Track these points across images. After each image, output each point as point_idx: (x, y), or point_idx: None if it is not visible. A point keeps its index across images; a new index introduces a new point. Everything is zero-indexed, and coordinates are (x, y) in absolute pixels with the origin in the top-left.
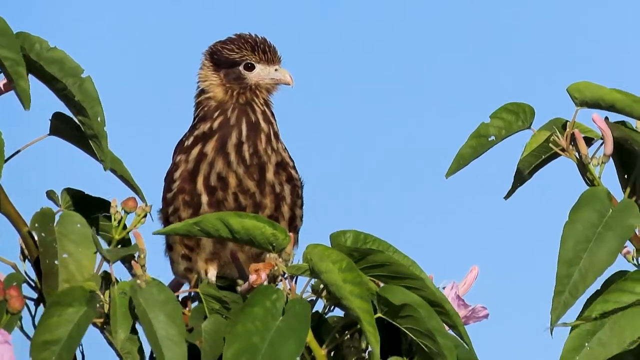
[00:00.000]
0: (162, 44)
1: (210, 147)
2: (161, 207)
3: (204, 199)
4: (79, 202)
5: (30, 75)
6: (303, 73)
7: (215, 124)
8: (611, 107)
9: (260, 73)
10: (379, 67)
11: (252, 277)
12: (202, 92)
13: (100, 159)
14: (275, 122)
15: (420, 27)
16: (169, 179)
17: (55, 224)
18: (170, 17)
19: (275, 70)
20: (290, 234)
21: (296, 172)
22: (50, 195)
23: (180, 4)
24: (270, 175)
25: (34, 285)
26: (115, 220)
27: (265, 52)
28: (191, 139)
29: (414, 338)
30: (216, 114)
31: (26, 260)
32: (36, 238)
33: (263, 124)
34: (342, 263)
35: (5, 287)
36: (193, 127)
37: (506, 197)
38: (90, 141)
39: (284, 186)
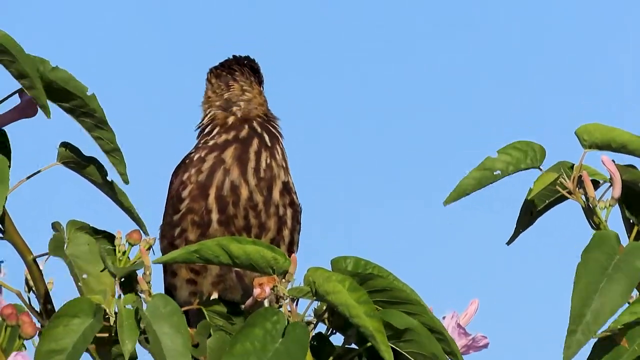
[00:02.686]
0: (152, 62)
1: (228, 154)
2: (161, 232)
3: (214, 216)
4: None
5: None
6: (299, 95)
7: (243, 134)
8: (622, 149)
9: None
10: (382, 89)
11: (257, 291)
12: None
13: (120, 172)
14: (282, 138)
15: (429, 54)
16: (175, 200)
17: (65, 248)
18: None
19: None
20: (293, 255)
21: (297, 197)
22: (56, 226)
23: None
24: (276, 194)
25: (38, 314)
26: (119, 252)
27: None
28: (206, 150)
29: None
30: (245, 125)
31: (31, 291)
32: (41, 266)
33: (268, 139)
34: (344, 282)
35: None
36: (207, 140)
37: (508, 243)
38: (108, 155)
39: (287, 210)
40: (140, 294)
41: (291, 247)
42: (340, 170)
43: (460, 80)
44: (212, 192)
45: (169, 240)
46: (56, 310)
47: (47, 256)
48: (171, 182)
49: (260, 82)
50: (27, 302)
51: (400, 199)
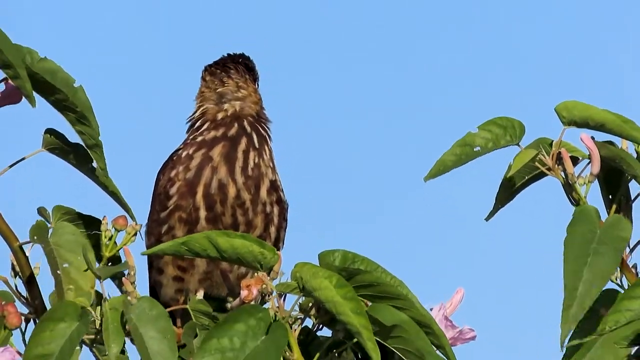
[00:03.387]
0: (146, 55)
1: (216, 152)
2: (148, 229)
3: (202, 213)
4: (70, 220)
5: None
6: (288, 89)
7: (232, 132)
8: (600, 127)
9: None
10: (366, 80)
11: (244, 293)
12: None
13: (101, 168)
14: (270, 139)
15: (413, 40)
16: (162, 197)
17: (49, 236)
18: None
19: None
20: (278, 252)
21: (284, 194)
22: (42, 212)
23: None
24: (264, 192)
25: (25, 301)
26: (105, 237)
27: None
28: (194, 147)
29: (403, 358)
30: (235, 123)
31: (17, 277)
32: (28, 252)
33: (257, 139)
34: (331, 279)
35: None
36: (195, 136)
37: (487, 219)
38: (90, 151)
39: (274, 207)
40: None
41: (277, 244)
42: (329, 165)
43: (444, 62)
44: (200, 190)
45: (156, 237)
46: (43, 297)
47: (32, 243)
48: (158, 179)
49: (255, 80)
50: (14, 288)
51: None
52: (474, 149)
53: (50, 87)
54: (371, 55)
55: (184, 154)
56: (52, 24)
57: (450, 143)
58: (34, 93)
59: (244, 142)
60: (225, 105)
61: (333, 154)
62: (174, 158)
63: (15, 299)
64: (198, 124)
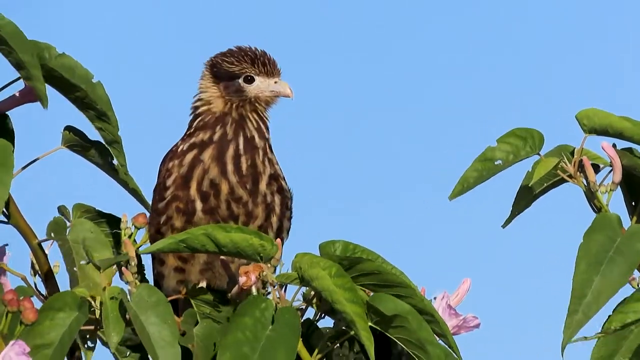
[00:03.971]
0: (152, 51)
1: (207, 155)
2: (149, 219)
3: (198, 205)
4: (90, 218)
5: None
6: (298, 82)
7: (216, 136)
8: (619, 135)
9: (260, 86)
10: (380, 78)
11: (242, 279)
12: (201, 102)
13: (121, 164)
14: (269, 136)
15: (427, 45)
16: (160, 188)
17: (67, 233)
18: (162, 27)
19: (275, 82)
20: (277, 241)
21: (286, 183)
22: (62, 210)
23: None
24: (263, 185)
25: (43, 299)
26: (125, 235)
27: (264, 64)
28: (187, 145)
29: (405, 348)
30: (217, 127)
31: (36, 275)
32: (46, 250)
33: (258, 140)
34: (331, 269)
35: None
36: (189, 135)
37: (504, 226)
38: (109, 147)
39: (275, 196)
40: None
41: (280, 234)
42: (334, 158)
43: (460, 69)
44: (193, 185)
45: (155, 228)
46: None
47: (51, 240)
48: (159, 170)
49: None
50: (33, 286)
51: (399, 186)
52: (495, 163)
53: (69, 84)
54: (385, 53)
55: (180, 149)
56: (69, 19)
57: (468, 153)
58: (54, 90)
59: (231, 149)
60: (209, 106)
61: (339, 147)
62: (173, 149)
63: (35, 297)
64: (193, 121)
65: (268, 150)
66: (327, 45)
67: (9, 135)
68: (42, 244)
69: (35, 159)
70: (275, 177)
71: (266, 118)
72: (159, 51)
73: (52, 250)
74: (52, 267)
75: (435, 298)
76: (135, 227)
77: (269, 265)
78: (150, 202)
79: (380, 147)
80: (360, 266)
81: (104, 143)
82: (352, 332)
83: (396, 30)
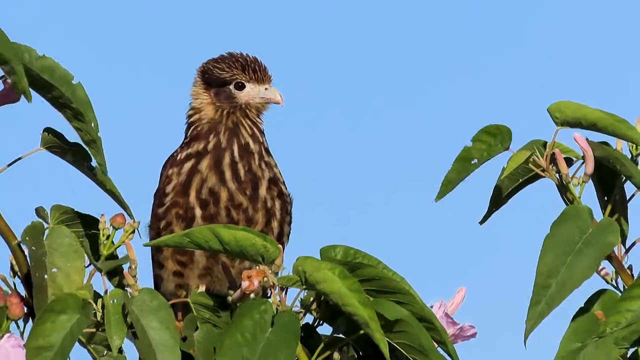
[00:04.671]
0: (151, 54)
1: (204, 165)
2: (150, 223)
3: (198, 212)
4: (69, 219)
5: None
6: (295, 88)
7: (210, 146)
8: (593, 126)
9: (251, 92)
10: (368, 85)
11: (245, 284)
12: (193, 110)
13: (99, 164)
14: (265, 139)
15: (403, 50)
16: (160, 193)
17: (44, 237)
18: (159, 28)
19: (266, 89)
20: (280, 245)
21: (286, 187)
22: (40, 212)
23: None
24: (263, 191)
25: (24, 299)
26: (103, 236)
27: (255, 71)
28: (184, 155)
29: (405, 353)
30: (211, 136)
31: (16, 277)
32: (26, 252)
33: (253, 145)
34: (334, 271)
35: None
36: (186, 145)
37: (481, 222)
38: (87, 147)
39: (275, 201)
40: (127, 289)
41: (280, 238)
42: (329, 163)
43: (438, 64)
44: (192, 193)
45: (155, 232)
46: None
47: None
48: (160, 174)
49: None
50: (13, 287)
51: (383, 190)
52: (472, 162)
53: (47, 84)
54: (381, 47)
55: (178, 157)
56: (52, 19)
57: (447, 151)
58: (33, 91)
59: (227, 157)
60: (201, 113)
61: (331, 152)
62: (173, 154)
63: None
64: (188, 130)
65: (264, 153)
66: (318, 53)
67: None
68: (22, 245)
69: (15, 160)
70: (275, 182)
71: (259, 122)
72: (154, 51)
73: None
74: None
75: (432, 306)
76: (113, 227)
77: (270, 270)
78: (128, 204)
79: (361, 152)
80: (360, 271)
81: (81, 145)
82: (349, 339)
83: (375, 40)
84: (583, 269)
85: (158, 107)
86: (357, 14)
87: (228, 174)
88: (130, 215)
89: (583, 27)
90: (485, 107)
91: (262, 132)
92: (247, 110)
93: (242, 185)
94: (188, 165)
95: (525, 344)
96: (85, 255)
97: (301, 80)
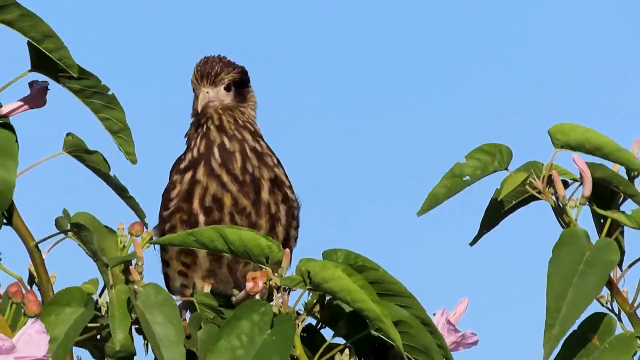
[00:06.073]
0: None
1: (201, 173)
2: (158, 223)
3: (201, 218)
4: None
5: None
6: (295, 88)
7: (196, 154)
8: (596, 151)
9: (199, 97)
10: (368, 85)
11: (249, 285)
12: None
13: (128, 152)
14: (255, 139)
15: (407, 51)
16: (166, 197)
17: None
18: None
19: (208, 93)
20: (286, 250)
21: (292, 192)
22: (59, 222)
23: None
24: (265, 194)
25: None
26: (120, 243)
27: (197, 76)
28: (183, 165)
29: (407, 355)
30: (192, 144)
31: (33, 284)
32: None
33: (229, 144)
34: (338, 268)
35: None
36: (184, 154)
37: (472, 244)
38: (116, 137)
39: (280, 206)
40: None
41: (287, 244)
42: (329, 163)
43: (436, 79)
44: (195, 201)
45: (161, 233)
46: None
47: (50, 240)
48: (169, 174)
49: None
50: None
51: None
52: (464, 179)
53: (85, 73)
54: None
55: (181, 165)
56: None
57: (439, 170)
58: (57, 84)
59: (213, 161)
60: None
61: (331, 151)
62: (181, 158)
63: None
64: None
65: (249, 152)
66: (318, 53)
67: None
68: (40, 249)
69: (38, 162)
70: (278, 185)
71: (228, 122)
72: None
73: (49, 258)
74: (50, 277)
75: (434, 314)
76: (131, 234)
77: (274, 270)
78: (145, 213)
79: (362, 151)
80: (363, 274)
81: (102, 154)
82: (350, 341)
83: (377, 42)
84: (590, 288)
85: (162, 104)
86: (357, 14)
87: (225, 177)
88: (145, 225)
89: (585, 31)
90: (485, 106)
91: (243, 131)
92: (205, 117)
93: (244, 188)
94: (188, 176)
95: None
96: (91, 252)
97: (301, 80)
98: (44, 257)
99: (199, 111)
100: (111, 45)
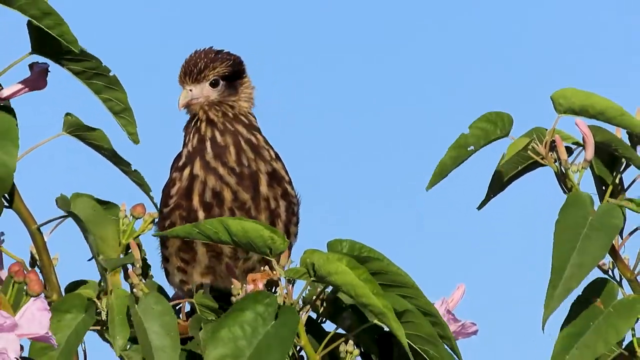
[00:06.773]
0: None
1: (197, 167)
2: (158, 219)
3: (201, 214)
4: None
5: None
6: (295, 88)
7: (191, 149)
8: (600, 115)
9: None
10: (365, 80)
11: (250, 287)
12: None
13: (130, 132)
14: (249, 132)
15: (399, 39)
16: (165, 194)
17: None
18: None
19: (190, 90)
20: (287, 240)
21: (292, 188)
22: (60, 200)
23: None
24: (264, 188)
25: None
26: (123, 224)
27: (184, 73)
28: (183, 159)
29: (413, 345)
30: (187, 140)
31: (35, 266)
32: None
33: (221, 138)
34: (343, 261)
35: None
36: (182, 148)
37: (479, 208)
38: (118, 117)
39: (279, 202)
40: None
41: (287, 238)
42: (329, 163)
43: (438, 55)
44: (195, 197)
45: (161, 229)
46: (59, 282)
47: (52, 223)
48: (170, 170)
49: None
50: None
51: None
52: (468, 149)
53: (86, 54)
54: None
55: (180, 162)
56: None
57: (444, 139)
58: (57, 65)
59: (206, 154)
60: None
61: (331, 152)
62: (180, 155)
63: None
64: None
65: (244, 144)
66: (318, 53)
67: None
68: (42, 232)
69: (38, 144)
70: (277, 179)
71: (216, 116)
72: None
73: (51, 240)
74: (52, 259)
75: (434, 304)
76: (133, 216)
77: (277, 261)
78: (151, 190)
79: (361, 152)
80: (367, 265)
81: (103, 131)
82: (351, 334)
83: (375, 39)
84: (594, 251)
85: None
86: (357, 14)
87: (222, 170)
88: (153, 202)
89: (585, 31)
90: (485, 106)
91: (236, 124)
92: (191, 113)
93: (242, 181)
94: (187, 172)
95: (543, 327)
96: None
97: (301, 80)
98: (45, 239)
99: (179, 109)
100: (113, 30)
